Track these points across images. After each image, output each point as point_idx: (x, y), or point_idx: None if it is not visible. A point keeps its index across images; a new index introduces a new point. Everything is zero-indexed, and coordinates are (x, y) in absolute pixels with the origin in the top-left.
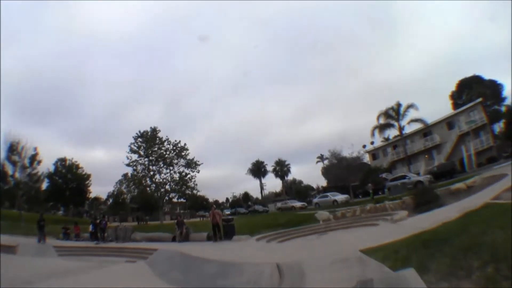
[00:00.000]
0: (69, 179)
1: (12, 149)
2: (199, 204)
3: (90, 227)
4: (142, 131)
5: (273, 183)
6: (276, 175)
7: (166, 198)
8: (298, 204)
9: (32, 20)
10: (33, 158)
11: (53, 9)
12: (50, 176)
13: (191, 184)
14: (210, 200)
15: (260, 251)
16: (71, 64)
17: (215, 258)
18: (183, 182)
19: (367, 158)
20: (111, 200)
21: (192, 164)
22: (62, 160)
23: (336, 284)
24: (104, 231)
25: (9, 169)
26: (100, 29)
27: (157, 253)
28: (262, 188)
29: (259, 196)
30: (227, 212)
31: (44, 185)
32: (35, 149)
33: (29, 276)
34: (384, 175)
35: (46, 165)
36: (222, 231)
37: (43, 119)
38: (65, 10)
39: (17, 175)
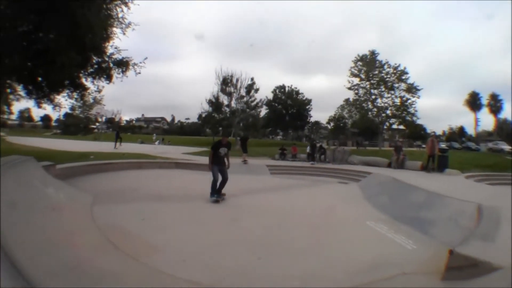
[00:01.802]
0: (289, 105)
1: (226, 82)
2: (417, 133)
3: (308, 149)
4: (361, 54)
5: (486, 120)
6: (490, 111)
7: (386, 123)
8: (507, 147)
9: None
10: (250, 88)
11: None
12: (268, 103)
13: (411, 110)
14: (428, 130)
15: (468, 189)
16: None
17: (424, 187)
18: (403, 107)
19: None
20: (331, 124)
21: (412, 89)
22: (281, 88)
23: None
24: (321, 152)
25: (224, 100)
26: None
27: (370, 177)
28: (476, 124)
29: (473, 133)
30: (442, 145)
31: (263, 112)
32: (252, 79)
33: (234, 190)
34: None
35: (266, 93)
36: (436, 162)
37: (262, 55)
38: None
39: (232, 104)
